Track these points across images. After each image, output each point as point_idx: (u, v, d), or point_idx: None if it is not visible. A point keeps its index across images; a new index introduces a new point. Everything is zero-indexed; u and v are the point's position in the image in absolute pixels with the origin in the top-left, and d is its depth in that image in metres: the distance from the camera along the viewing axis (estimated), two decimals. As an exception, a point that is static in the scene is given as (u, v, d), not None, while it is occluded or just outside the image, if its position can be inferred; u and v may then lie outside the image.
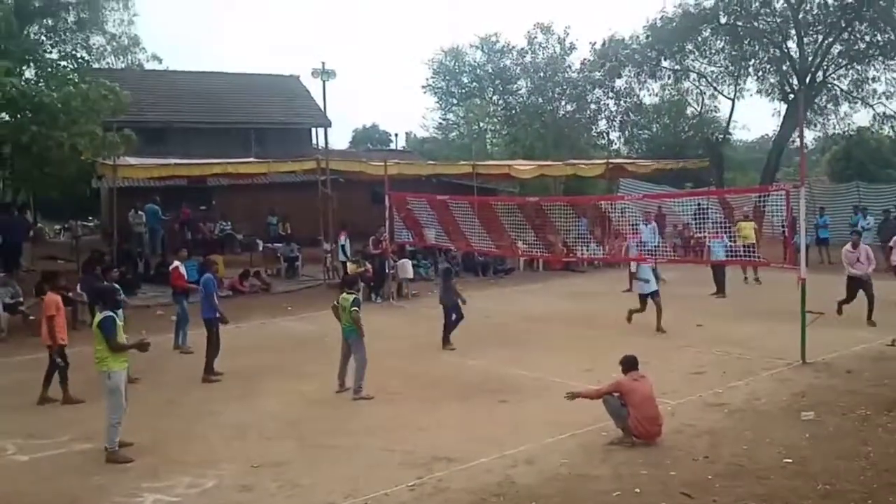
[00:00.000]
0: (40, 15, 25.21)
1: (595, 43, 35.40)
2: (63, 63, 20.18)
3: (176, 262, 14.75)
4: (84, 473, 8.08)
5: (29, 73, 19.81)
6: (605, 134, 37.68)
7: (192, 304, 14.06)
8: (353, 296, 11.12)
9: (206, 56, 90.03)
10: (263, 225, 25.83)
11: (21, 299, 16.34)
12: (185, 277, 14.48)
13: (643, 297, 14.83)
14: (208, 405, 10.65)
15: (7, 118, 18.59)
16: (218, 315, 12.13)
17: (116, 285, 11.88)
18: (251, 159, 23.96)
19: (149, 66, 25.10)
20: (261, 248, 23.99)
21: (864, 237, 20.16)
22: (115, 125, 19.61)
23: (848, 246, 15.10)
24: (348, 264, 20.10)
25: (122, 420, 8.53)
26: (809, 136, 34.56)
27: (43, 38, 21.81)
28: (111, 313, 8.76)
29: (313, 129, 32.00)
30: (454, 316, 13.91)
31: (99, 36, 24.85)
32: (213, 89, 30.24)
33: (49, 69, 19.71)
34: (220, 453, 8.64)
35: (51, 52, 20.35)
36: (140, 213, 23.12)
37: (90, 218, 26.01)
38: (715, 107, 35.99)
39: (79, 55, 20.49)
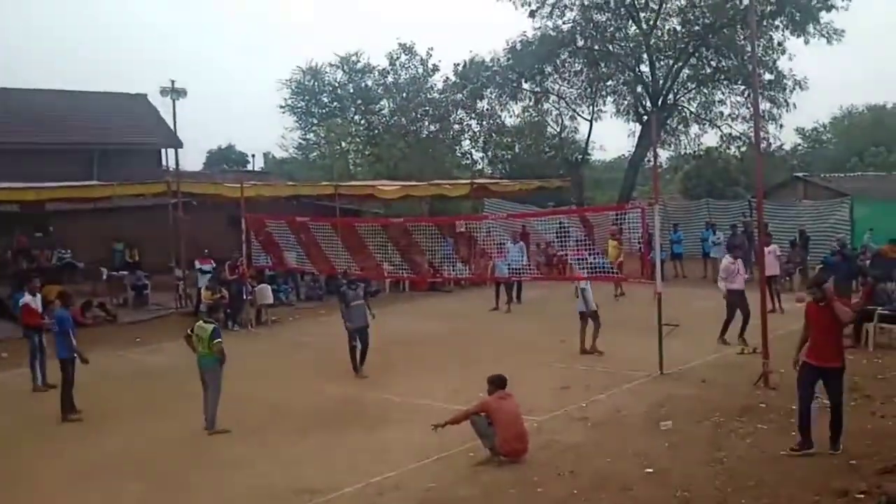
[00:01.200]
0: None
1: (458, 64, 35.84)
2: None
3: (27, 298, 13.24)
4: None
5: None
6: (469, 154, 38.13)
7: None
8: (213, 325, 10.33)
9: (44, 73, 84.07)
10: (109, 252, 24.08)
11: None
12: (38, 313, 13.03)
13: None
14: (50, 445, 9.84)
15: None
16: (76, 355, 11.15)
17: None
18: (94, 182, 22.28)
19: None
20: (105, 277, 22.31)
21: (713, 251, 21.32)
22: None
23: (728, 258, 14.50)
24: (203, 291, 18.99)
25: None
26: (663, 155, 36.29)
27: None
28: None
29: (163, 151, 30.30)
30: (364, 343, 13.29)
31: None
32: (50, 107, 27.93)
33: None
34: (60, 499, 8.03)
35: None
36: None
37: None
38: (574, 127, 37.21)
39: None
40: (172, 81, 22.08)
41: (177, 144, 25.44)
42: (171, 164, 26.77)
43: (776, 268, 17.60)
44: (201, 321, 10.53)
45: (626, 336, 14.76)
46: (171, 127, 24.73)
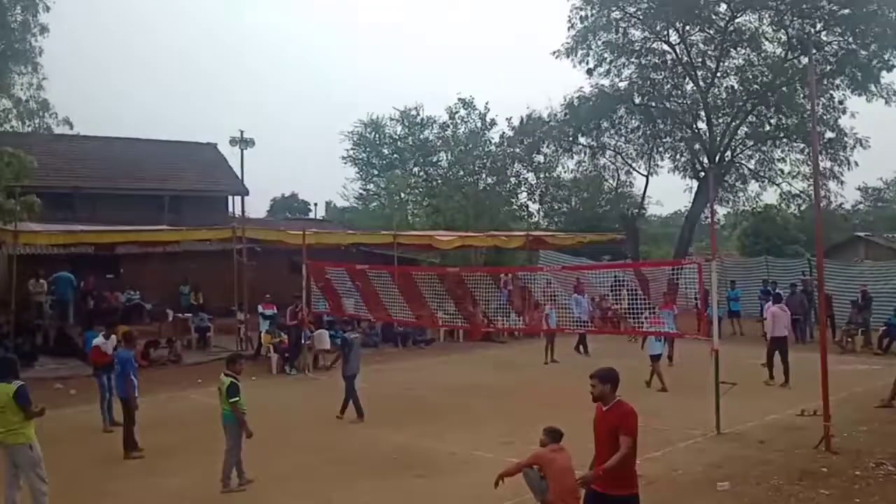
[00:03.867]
0: (-60, 78, 24.20)
1: (512, 118, 36.46)
2: (-36, 127, 19.35)
3: (99, 339, 13.77)
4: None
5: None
6: (525, 206, 38.43)
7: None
8: (230, 379, 9.93)
9: (120, 122, 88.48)
10: (175, 294, 24.89)
11: None
12: (108, 354, 13.56)
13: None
14: (109, 484, 10.02)
15: None
16: (136, 395, 11.50)
17: (13, 355, 11.13)
18: (164, 227, 23.22)
19: (58, 130, 24.17)
20: (171, 318, 23.04)
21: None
22: (18, 190, 18.79)
23: (778, 307, 16.34)
24: (263, 335, 19.48)
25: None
26: (720, 212, 36.15)
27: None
28: (22, 382, 8.27)
29: (230, 198, 31.41)
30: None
31: (5, 100, 23.90)
32: (126, 155, 29.32)
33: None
34: None
35: (-48, 117, 19.51)
36: (41, 281, 21.96)
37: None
38: (630, 182, 37.34)
39: (-22, 119, 19.68)
40: (241, 132, 23.05)
41: (243, 192, 26.36)
42: (238, 211, 27.72)
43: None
44: (222, 374, 10.21)
45: (682, 395, 14.63)
46: (239, 175, 25.66)
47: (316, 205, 55.05)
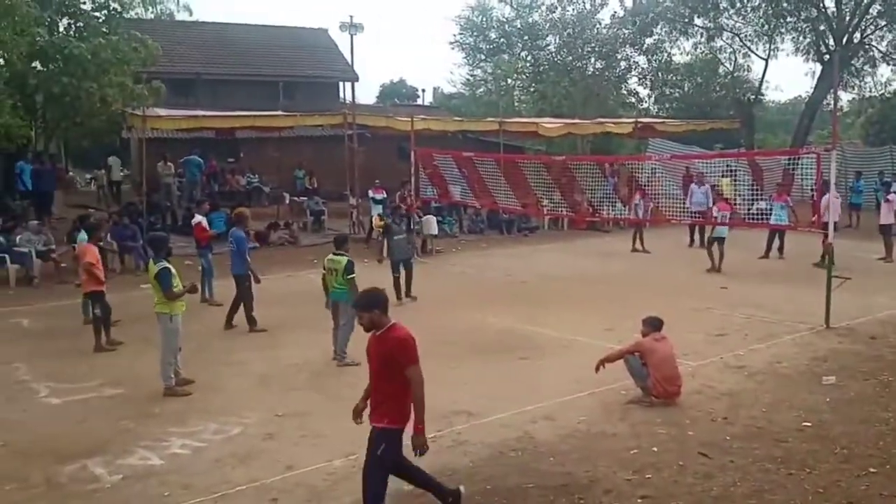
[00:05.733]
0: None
1: (624, -1, 34.73)
2: (96, 14, 20.25)
3: (198, 217, 14.82)
4: (113, 417, 8.32)
5: (63, 23, 19.95)
6: (635, 92, 37.13)
7: (219, 255, 14.27)
8: (346, 258, 10.29)
9: (236, 6, 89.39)
10: (290, 178, 25.93)
11: (53, 247, 16.68)
12: (208, 231, 14.55)
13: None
14: (233, 355, 10.82)
15: (39, 67, 18.78)
16: (250, 272, 12.12)
17: (165, 234, 11.98)
18: (279, 112, 23.96)
19: (179, 16, 25.09)
20: (287, 202, 24.14)
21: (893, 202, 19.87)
22: (144, 76, 19.72)
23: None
24: (374, 219, 20.19)
25: (175, 359, 9.08)
26: (845, 98, 33.81)
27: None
28: (166, 264, 9.09)
29: (341, 84, 31.89)
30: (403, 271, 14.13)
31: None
32: (242, 41, 30.11)
33: (82, 20, 19.80)
34: (245, 402, 8.80)
35: (84, 3, 20.43)
36: (168, 164, 23.31)
37: (121, 168, 26.29)
38: (748, 66, 35.32)
39: (111, 6, 20.52)
40: (351, 17, 23.18)
41: (353, 78, 26.72)
42: (348, 97, 28.20)
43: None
44: (332, 254, 10.47)
45: (793, 287, 14.44)
46: (349, 61, 25.97)
47: (424, 91, 55.07)
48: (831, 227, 12.23)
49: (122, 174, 25.86)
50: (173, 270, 9.14)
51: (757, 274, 16.63)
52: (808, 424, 7.84)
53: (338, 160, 22.64)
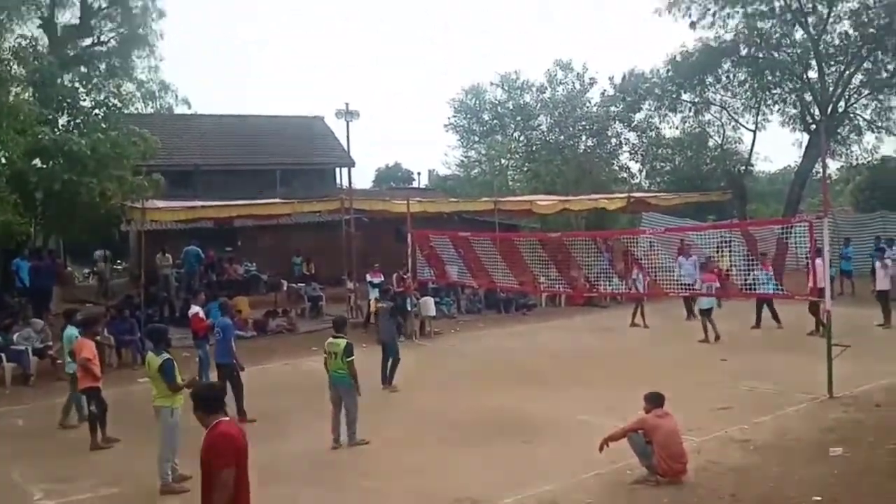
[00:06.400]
0: (75, 63, 26.10)
1: (613, 77, 35.75)
2: (95, 111, 20.75)
3: (195, 308, 14.84)
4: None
5: (62, 120, 20.42)
6: (626, 167, 37.77)
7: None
8: (345, 341, 10.46)
9: (234, 99, 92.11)
10: (288, 265, 26.08)
11: (50, 343, 16.60)
12: (205, 321, 14.52)
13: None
14: None
15: (40, 164, 19.12)
16: (234, 361, 12.13)
17: (165, 326, 11.99)
18: (276, 200, 24.30)
19: (178, 110, 25.81)
20: (285, 289, 24.21)
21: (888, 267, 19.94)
22: (143, 169, 20.06)
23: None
24: (372, 302, 20.20)
25: (173, 455, 8.91)
26: (833, 166, 34.37)
27: (78, 85, 22.55)
28: (168, 356, 9.08)
29: (337, 169, 32.48)
30: (392, 357, 13.92)
31: (129, 83, 25.62)
32: (239, 132, 30.82)
33: (82, 116, 20.28)
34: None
35: (84, 101, 20.99)
36: (167, 255, 23.47)
37: (119, 261, 26.49)
38: (737, 138, 35.95)
39: (110, 102, 21.07)
40: (346, 104, 23.72)
41: (350, 164, 27.20)
42: (345, 183, 28.64)
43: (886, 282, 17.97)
44: (331, 338, 10.60)
45: (793, 356, 14.39)
46: (345, 147, 26.50)
47: (419, 173, 55.98)
48: (828, 294, 12.29)
49: (105, 267, 26.05)
50: (175, 362, 9.13)
51: (756, 344, 16.63)
52: (819, 499, 7.72)
53: (336, 245, 22.83)
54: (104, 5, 26.55)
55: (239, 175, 29.19)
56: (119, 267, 25.99)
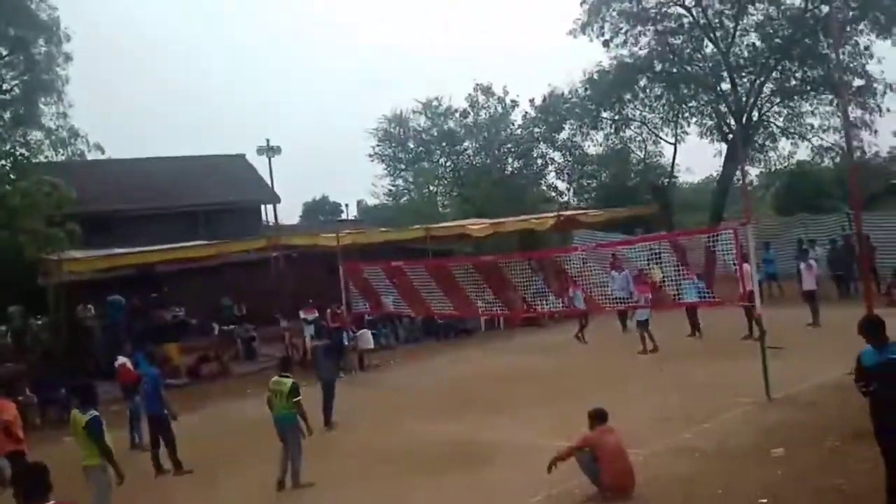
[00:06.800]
0: (-24, 115, 25.10)
1: (534, 99, 36.29)
2: (2, 161, 19.92)
3: (122, 359, 14.27)
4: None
5: (-34, 173, 19.53)
6: (554, 187, 38.26)
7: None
8: (291, 380, 10.35)
9: (149, 141, 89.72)
10: (219, 307, 25.34)
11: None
12: (133, 373, 13.92)
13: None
14: (171, 502, 10.25)
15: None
16: (166, 411, 11.71)
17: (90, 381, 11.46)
18: (201, 242, 23.65)
19: (91, 156, 24.98)
20: (216, 332, 23.48)
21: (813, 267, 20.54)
22: (58, 219, 19.29)
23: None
24: (307, 340, 19.78)
25: None
26: (752, 173, 35.42)
27: (-21, 137, 21.73)
28: (96, 413, 8.57)
29: (262, 206, 31.90)
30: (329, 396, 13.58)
31: (37, 131, 24.73)
32: (158, 174, 29.93)
33: (-14, 169, 19.46)
34: None
35: (-12, 152, 20.18)
36: (89, 307, 22.50)
37: (38, 316, 25.18)
38: (659, 152, 36.80)
39: (17, 152, 20.29)
40: (267, 140, 23.42)
41: (275, 200, 26.73)
42: (271, 219, 28.14)
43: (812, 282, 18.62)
44: (276, 377, 10.57)
45: (729, 361, 14.56)
46: (269, 184, 26.04)
47: (347, 205, 55.56)
48: (758, 297, 12.51)
49: (21, 323, 24.85)
50: (102, 419, 8.62)
51: (691, 352, 16.81)
52: (765, 501, 7.78)
53: (267, 284, 22.30)
54: (4, 53, 25.53)
55: (160, 219, 28.33)
56: (38, 322, 24.71)
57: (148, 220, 27.93)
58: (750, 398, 11.86)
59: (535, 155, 36.88)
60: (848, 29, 28.27)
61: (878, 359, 6.77)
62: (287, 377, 10.47)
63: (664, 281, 19.91)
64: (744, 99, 30.88)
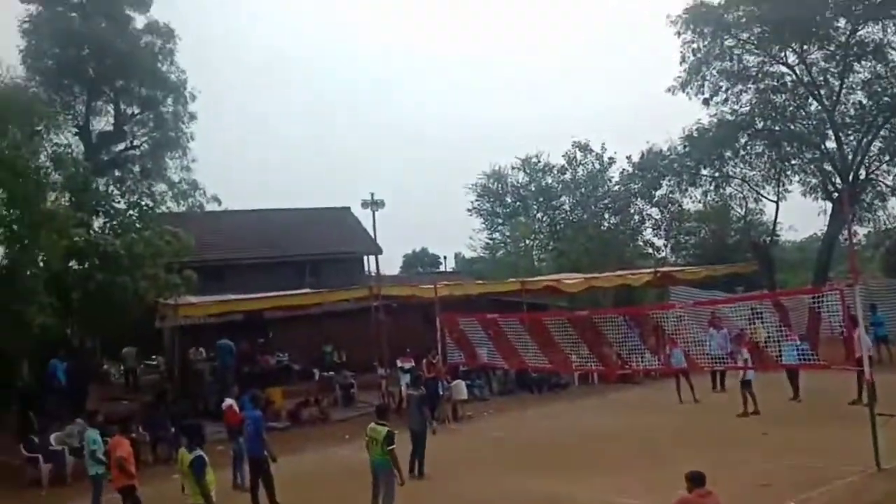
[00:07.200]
0: (110, 167, 27.19)
1: (631, 156, 36.30)
2: (129, 211, 21.41)
3: (229, 401, 14.94)
4: None
5: (98, 222, 21.11)
6: (650, 243, 37.85)
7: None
8: (387, 428, 10.54)
9: (264, 194, 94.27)
10: (320, 354, 26.19)
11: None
12: (238, 414, 14.54)
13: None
14: None
15: (76, 266, 19.67)
16: (266, 453, 12.09)
17: (199, 421, 12.01)
18: (306, 290, 24.62)
19: (209, 207, 26.55)
20: (317, 378, 24.26)
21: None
22: (176, 266, 20.53)
23: None
24: (402, 388, 20.15)
25: None
26: (860, 232, 34.14)
27: (112, 188, 23.43)
28: (200, 452, 9.04)
29: (365, 258, 32.96)
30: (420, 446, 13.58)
31: (161, 184, 26.56)
32: (268, 226, 31.54)
33: (117, 218, 20.94)
34: None
35: (119, 202, 21.76)
36: (201, 349, 23.69)
37: (153, 357, 26.77)
38: (760, 209, 35.96)
39: (143, 203, 21.80)
40: (372, 194, 24.30)
41: (377, 251, 27.60)
42: (373, 270, 29.03)
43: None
44: (373, 423, 10.77)
45: (835, 428, 14.05)
46: (372, 235, 26.96)
47: (445, 258, 56.45)
48: (866, 362, 12.11)
49: (134, 363, 26.34)
50: (207, 459, 9.12)
51: (796, 416, 16.26)
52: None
53: (366, 332, 22.96)
54: (137, 112, 27.70)
55: (269, 268, 29.71)
56: (152, 363, 26.26)
57: (258, 269, 29.32)
58: (858, 467, 11.43)
59: (632, 211, 36.66)
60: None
61: None
62: (383, 425, 10.65)
63: (767, 341, 19.44)
64: (850, 157, 30.00)
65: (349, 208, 34.92)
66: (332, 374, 24.03)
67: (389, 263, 52.45)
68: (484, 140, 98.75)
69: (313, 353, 26.19)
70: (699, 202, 35.57)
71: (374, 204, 24.61)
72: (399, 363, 21.74)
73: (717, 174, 33.51)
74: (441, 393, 19.57)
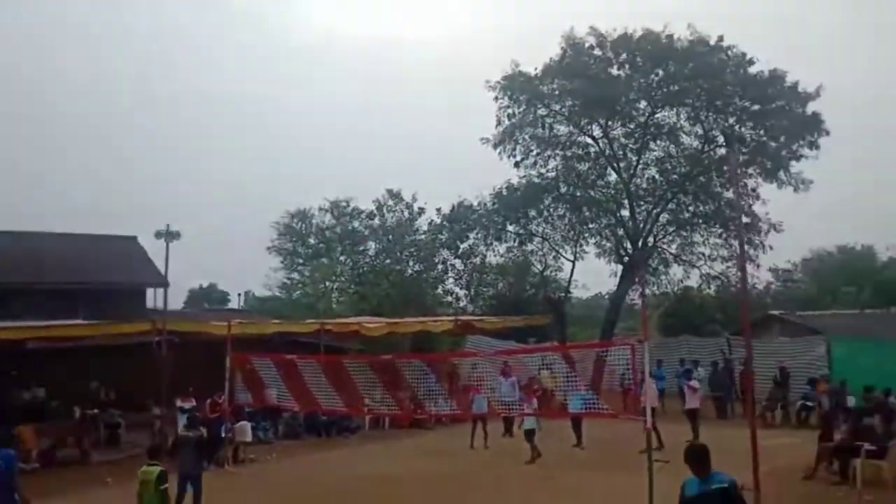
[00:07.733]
0: None
1: (441, 208, 36.91)
2: None
3: None
4: None
5: None
6: (452, 292, 38.44)
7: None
8: (159, 468, 9.85)
9: (38, 213, 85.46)
10: (87, 390, 23.50)
11: None
12: None
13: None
14: None
15: None
16: (17, 498, 10.38)
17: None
18: (77, 321, 22.10)
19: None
20: (77, 415, 21.69)
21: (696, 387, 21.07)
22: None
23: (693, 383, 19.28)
24: (180, 430, 18.43)
25: None
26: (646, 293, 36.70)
27: None
28: None
29: (148, 290, 30.39)
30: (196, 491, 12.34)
31: None
32: (38, 249, 28.24)
33: None
34: None
35: None
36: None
37: None
38: (558, 266, 37.73)
39: None
40: (167, 225, 22.49)
41: (165, 284, 25.47)
42: (159, 304, 26.76)
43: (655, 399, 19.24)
44: (145, 465, 10.10)
45: (616, 473, 14.44)
46: (161, 268, 24.81)
47: (239, 295, 54.08)
48: (649, 412, 12.51)
49: None
50: None
51: (580, 463, 16.64)
52: None
53: (145, 370, 20.89)
54: None
55: (35, 295, 26.35)
56: None
57: (23, 296, 25.99)
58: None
59: (436, 260, 37.15)
60: (739, 171, 30.43)
61: (699, 490, 6.74)
62: (155, 465, 9.91)
63: (555, 389, 20.02)
64: (641, 225, 32.46)
65: (135, 237, 32.28)
66: (96, 411, 21.62)
67: (173, 298, 49.21)
68: (289, 178, 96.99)
69: (82, 390, 23.45)
70: (502, 256, 36.80)
71: (168, 234, 22.67)
72: (178, 402, 19.92)
73: (521, 231, 34.83)
74: (223, 434, 18.11)
